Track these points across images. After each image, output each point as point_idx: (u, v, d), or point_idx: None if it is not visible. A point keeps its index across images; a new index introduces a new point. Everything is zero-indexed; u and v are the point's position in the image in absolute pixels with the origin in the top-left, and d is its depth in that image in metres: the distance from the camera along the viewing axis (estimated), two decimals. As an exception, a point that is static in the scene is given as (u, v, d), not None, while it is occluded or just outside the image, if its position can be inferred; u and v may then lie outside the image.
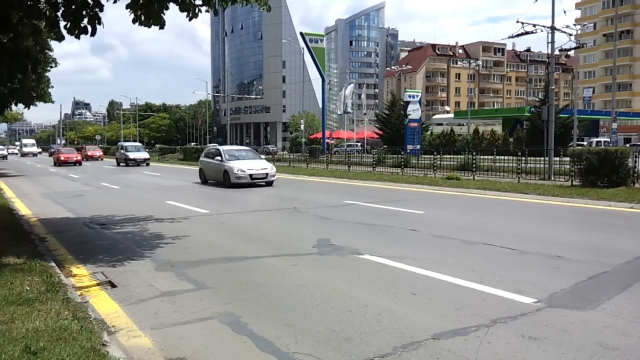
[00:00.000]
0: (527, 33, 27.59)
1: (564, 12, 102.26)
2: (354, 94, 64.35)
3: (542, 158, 22.77)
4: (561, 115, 45.24)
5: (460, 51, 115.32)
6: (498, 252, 7.84)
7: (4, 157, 60.49)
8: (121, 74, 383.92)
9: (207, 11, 7.66)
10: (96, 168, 37.81)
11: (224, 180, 19.69)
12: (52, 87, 28.84)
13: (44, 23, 7.79)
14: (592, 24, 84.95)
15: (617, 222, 11.10)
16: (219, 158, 20.49)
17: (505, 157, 24.06)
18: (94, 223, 11.28)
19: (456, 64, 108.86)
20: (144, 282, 6.42)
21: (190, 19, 7.48)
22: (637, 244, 8.42)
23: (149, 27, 7.49)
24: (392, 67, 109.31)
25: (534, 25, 27.21)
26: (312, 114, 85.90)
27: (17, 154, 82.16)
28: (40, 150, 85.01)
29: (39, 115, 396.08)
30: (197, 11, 7.44)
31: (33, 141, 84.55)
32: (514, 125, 53.60)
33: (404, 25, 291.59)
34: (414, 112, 37.38)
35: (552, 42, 23.27)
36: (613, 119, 37.10)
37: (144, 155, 42.02)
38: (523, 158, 21.56)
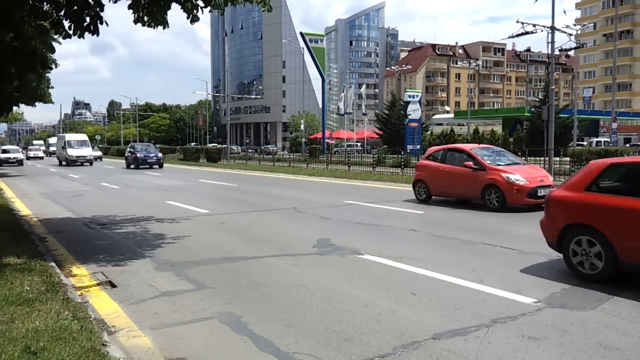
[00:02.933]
0: (527, 33, 27.62)
1: (564, 12, 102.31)
2: (354, 93, 64.37)
3: (542, 158, 22.77)
4: (561, 115, 45.21)
5: (460, 51, 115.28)
6: (498, 252, 7.84)
7: (19, 162, 42.96)
8: (121, 74, 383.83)
9: (210, 12, 7.68)
10: (96, 169, 37.80)
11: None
12: (52, 87, 28.89)
13: (47, 23, 7.82)
14: (592, 24, 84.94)
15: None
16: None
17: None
18: (94, 223, 11.28)
19: (456, 64, 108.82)
20: (144, 282, 6.42)
21: (192, 22, 7.49)
22: (637, 244, 8.41)
23: (152, 27, 7.51)
24: (392, 67, 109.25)
25: (534, 25, 27.24)
26: (312, 114, 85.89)
27: (41, 157, 58.02)
28: (99, 153, 54.41)
29: (39, 115, 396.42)
30: (199, 12, 7.45)
31: (85, 137, 46.50)
32: (514, 125, 53.56)
33: (404, 25, 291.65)
34: (414, 112, 37.41)
35: (552, 42, 23.29)
36: (613, 119, 37.09)
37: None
38: (523, 158, 21.53)
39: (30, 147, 66.54)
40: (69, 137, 45.21)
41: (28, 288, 5.51)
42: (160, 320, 5.03)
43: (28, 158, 54.40)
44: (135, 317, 5.12)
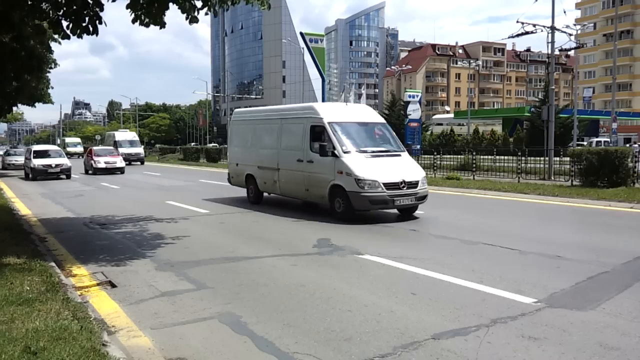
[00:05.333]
0: (527, 33, 27.59)
1: (564, 12, 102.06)
2: (354, 93, 64.33)
3: (542, 158, 22.76)
4: (561, 115, 45.18)
5: (460, 51, 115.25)
6: (498, 252, 7.84)
7: (63, 173, 25.98)
8: (121, 74, 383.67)
9: (206, 14, 7.68)
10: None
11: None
12: (52, 87, 28.82)
13: (46, 23, 7.82)
14: (592, 24, 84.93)
15: (617, 222, 11.10)
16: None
17: (505, 157, 24.03)
18: (94, 223, 11.28)
19: (456, 64, 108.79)
20: (144, 282, 6.42)
21: (190, 23, 7.49)
22: (637, 244, 8.42)
23: (149, 27, 7.52)
24: (392, 67, 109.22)
25: (534, 25, 27.20)
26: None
27: (122, 170, 29.37)
28: None
29: (39, 115, 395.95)
30: (196, 13, 7.46)
31: (372, 114, 12.94)
32: (514, 125, 53.55)
33: (404, 25, 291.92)
34: (414, 112, 37.33)
35: (552, 42, 23.27)
36: (613, 119, 37.05)
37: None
38: (523, 158, 21.56)
39: (96, 147, 35.16)
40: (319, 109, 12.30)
41: (28, 288, 5.51)
42: (160, 320, 5.03)
43: (95, 171, 28.32)
44: (135, 317, 5.11)
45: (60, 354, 3.82)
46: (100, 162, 29.03)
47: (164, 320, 5.03)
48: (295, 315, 5.07)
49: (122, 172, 28.94)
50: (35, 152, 26.82)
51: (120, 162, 29.71)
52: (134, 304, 5.58)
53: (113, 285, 6.29)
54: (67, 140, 64.83)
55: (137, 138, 45.43)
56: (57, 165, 25.59)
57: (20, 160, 32.21)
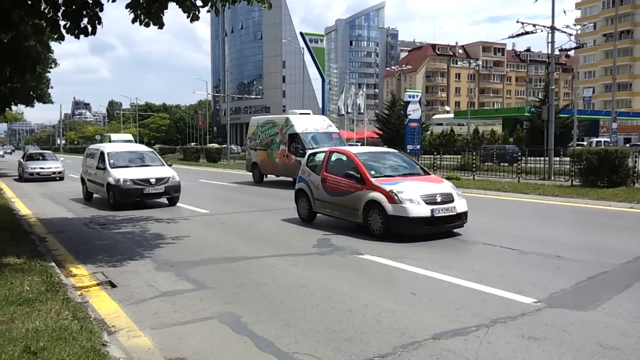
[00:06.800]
0: (527, 33, 27.56)
1: (564, 12, 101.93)
2: (354, 93, 64.36)
3: (542, 158, 22.78)
4: (561, 115, 45.22)
5: (460, 51, 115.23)
6: (498, 252, 7.84)
7: (165, 191, 13.73)
8: (121, 74, 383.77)
9: (208, 12, 7.69)
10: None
11: None
12: (52, 87, 28.83)
13: (45, 23, 7.82)
14: (592, 24, 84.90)
15: (617, 222, 11.09)
16: None
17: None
18: (94, 223, 11.28)
19: (456, 64, 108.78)
20: (144, 282, 6.42)
21: (191, 21, 7.51)
22: (637, 244, 8.42)
23: (148, 27, 7.53)
24: (392, 67, 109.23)
25: (534, 25, 27.18)
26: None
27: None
28: None
29: (39, 115, 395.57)
30: (197, 11, 7.47)
31: None
32: (514, 125, 53.61)
33: (404, 25, 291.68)
34: (414, 112, 37.32)
35: (552, 42, 23.27)
36: (613, 119, 37.07)
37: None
38: (523, 158, 21.56)
39: (355, 148, 12.44)
40: None
41: (28, 288, 5.51)
42: (160, 320, 5.03)
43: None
44: (135, 317, 5.11)
45: (60, 354, 3.82)
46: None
47: (164, 320, 5.03)
48: (295, 315, 5.07)
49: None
50: (111, 156, 14.66)
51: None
52: (134, 304, 5.58)
53: (113, 285, 6.29)
54: (114, 137, 41.71)
55: (334, 128, 21.24)
56: (158, 181, 13.75)
57: (50, 166, 24.64)
